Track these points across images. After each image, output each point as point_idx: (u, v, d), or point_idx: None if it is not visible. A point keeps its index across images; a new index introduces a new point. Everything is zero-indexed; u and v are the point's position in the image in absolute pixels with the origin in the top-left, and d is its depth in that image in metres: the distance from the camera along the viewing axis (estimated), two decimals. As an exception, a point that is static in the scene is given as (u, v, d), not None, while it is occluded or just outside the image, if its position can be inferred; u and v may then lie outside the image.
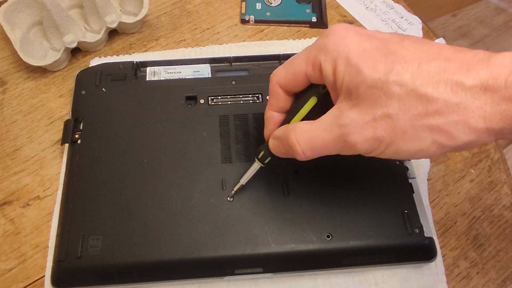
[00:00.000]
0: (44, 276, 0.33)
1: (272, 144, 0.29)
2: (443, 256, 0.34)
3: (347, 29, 0.25)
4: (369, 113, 0.23)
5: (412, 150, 0.23)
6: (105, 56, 0.43)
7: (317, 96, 0.27)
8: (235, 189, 0.33)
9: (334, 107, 0.25)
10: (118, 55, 0.44)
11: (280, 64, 0.32)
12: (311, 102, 0.27)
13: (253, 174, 0.32)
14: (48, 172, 0.37)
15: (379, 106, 0.22)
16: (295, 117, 0.28)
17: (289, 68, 0.27)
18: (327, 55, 0.24)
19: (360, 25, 0.48)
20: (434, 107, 0.21)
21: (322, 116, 0.25)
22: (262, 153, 0.30)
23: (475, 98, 0.21)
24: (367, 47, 0.23)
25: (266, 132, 0.30)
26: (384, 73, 0.22)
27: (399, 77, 0.22)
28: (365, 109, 0.23)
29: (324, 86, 0.26)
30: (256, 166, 0.31)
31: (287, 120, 0.29)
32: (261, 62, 0.41)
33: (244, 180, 0.32)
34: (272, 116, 0.29)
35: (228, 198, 0.33)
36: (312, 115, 0.27)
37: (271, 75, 0.28)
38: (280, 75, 0.28)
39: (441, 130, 0.22)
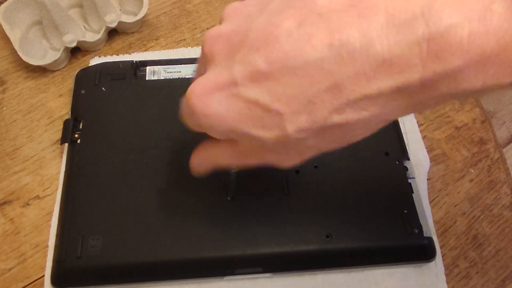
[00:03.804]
0: (43, 275, 0.33)
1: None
2: (442, 256, 0.34)
3: (203, 101, 0.20)
4: None
5: None
6: (104, 56, 0.43)
7: None
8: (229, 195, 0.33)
9: None
10: (117, 55, 0.44)
11: None
12: None
13: (234, 180, 0.32)
14: (47, 171, 0.37)
15: None
16: None
17: None
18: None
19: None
20: None
21: None
22: None
23: None
24: (244, 110, 0.20)
25: None
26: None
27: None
28: None
29: None
30: (231, 172, 0.31)
31: None
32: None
33: (231, 191, 0.33)
34: None
35: (228, 198, 0.33)
36: None
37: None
38: None
39: None
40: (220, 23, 0.22)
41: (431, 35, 0.16)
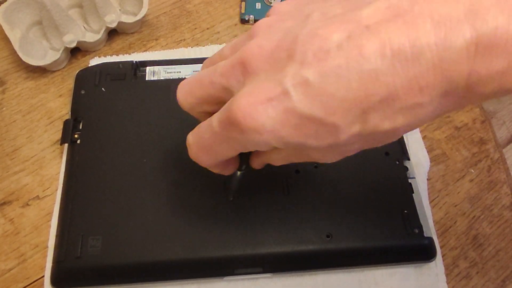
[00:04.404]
0: (43, 276, 0.33)
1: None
2: (442, 256, 0.34)
3: (257, 105, 0.20)
4: None
5: None
6: (104, 56, 0.43)
7: None
8: (229, 196, 0.33)
9: None
10: (117, 55, 0.44)
11: None
12: None
13: (237, 181, 0.31)
14: (47, 172, 0.37)
15: None
16: None
17: None
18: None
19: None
20: None
21: None
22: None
23: None
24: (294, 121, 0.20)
25: None
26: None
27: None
28: None
29: None
30: (236, 174, 0.31)
31: None
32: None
33: (232, 192, 0.33)
34: None
35: (229, 198, 0.33)
36: None
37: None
38: None
39: None
40: (252, 37, 0.22)
41: (478, 38, 0.16)
